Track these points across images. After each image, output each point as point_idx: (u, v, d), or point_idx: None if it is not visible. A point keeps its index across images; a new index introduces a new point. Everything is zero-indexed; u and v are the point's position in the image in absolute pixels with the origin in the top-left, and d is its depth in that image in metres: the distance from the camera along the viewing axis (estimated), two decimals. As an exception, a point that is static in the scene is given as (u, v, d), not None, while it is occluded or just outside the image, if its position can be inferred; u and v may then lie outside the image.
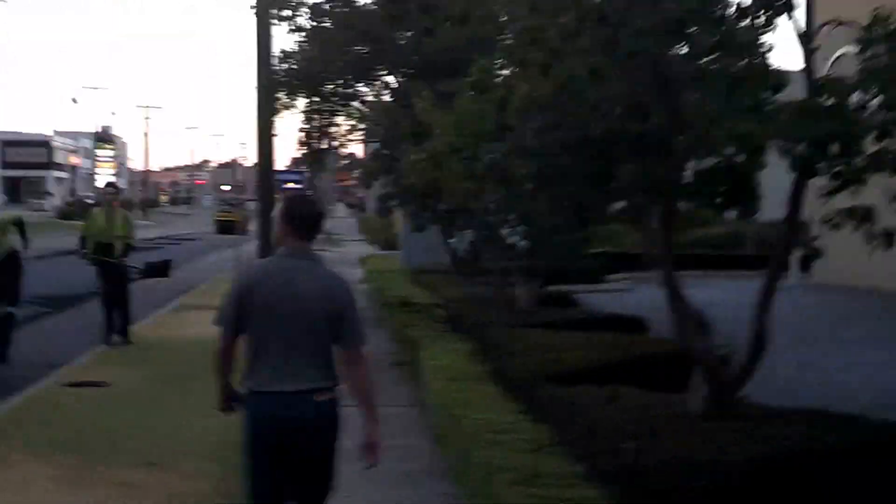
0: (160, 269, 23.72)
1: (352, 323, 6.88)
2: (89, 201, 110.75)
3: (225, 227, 78.96)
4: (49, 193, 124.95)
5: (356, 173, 25.55)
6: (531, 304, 16.75)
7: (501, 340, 13.64)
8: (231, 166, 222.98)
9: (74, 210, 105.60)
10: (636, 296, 18.25)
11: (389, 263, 30.56)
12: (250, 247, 49.50)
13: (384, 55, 18.44)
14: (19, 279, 18.22)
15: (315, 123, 25.67)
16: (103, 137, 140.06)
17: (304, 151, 28.88)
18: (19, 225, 18.69)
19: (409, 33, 19.33)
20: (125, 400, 14.52)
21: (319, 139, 26.67)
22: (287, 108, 25.03)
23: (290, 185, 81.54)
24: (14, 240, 18.32)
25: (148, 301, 28.72)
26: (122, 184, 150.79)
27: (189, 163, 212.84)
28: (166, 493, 10.30)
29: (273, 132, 24.74)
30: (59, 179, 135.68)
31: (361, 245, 61.14)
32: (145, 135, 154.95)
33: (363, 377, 6.92)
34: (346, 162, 54.91)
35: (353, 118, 23.96)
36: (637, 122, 8.95)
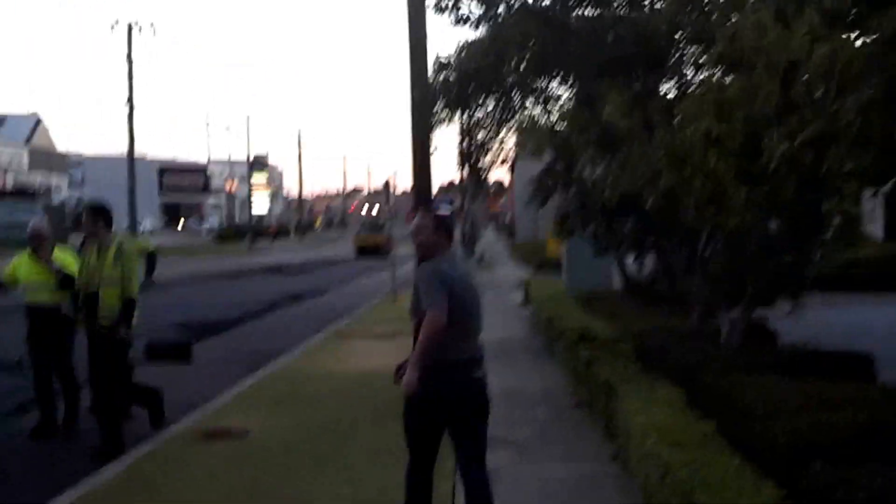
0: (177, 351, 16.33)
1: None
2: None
3: (366, 250, 77.16)
4: (206, 218, 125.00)
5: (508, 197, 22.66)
6: (737, 339, 13.71)
7: (721, 389, 10.71)
8: (384, 191, 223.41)
9: (230, 234, 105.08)
10: (813, 318, 15.12)
11: (552, 287, 27.56)
12: (404, 269, 47.77)
13: (565, 48, 14.96)
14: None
15: (477, 138, 22.99)
16: (257, 163, 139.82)
17: (463, 171, 26.38)
18: (150, 256, 15.21)
19: (597, 11, 15.53)
20: (265, 457, 11.81)
21: (479, 157, 23.97)
22: (444, 121, 22.41)
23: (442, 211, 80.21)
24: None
25: (298, 327, 26.40)
26: (277, 209, 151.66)
27: (341, 188, 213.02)
28: None
29: (430, 150, 22.12)
30: (216, 205, 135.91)
31: (512, 268, 58.36)
32: (299, 160, 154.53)
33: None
34: (494, 187, 52.06)
35: (523, 128, 20.64)
36: None
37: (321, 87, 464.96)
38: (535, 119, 15.01)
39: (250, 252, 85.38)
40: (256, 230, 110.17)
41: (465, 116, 21.86)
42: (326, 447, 12.16)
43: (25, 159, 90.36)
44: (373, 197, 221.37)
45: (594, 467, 11.12)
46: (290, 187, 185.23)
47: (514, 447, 11.98)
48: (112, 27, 67.17)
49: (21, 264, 13.32)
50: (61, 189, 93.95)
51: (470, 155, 23.43)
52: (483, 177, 29.19)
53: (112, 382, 12.19)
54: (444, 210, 52.75)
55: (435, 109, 20.20)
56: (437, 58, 20.54)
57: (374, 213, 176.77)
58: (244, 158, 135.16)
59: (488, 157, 23.40)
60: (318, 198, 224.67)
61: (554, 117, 15.57)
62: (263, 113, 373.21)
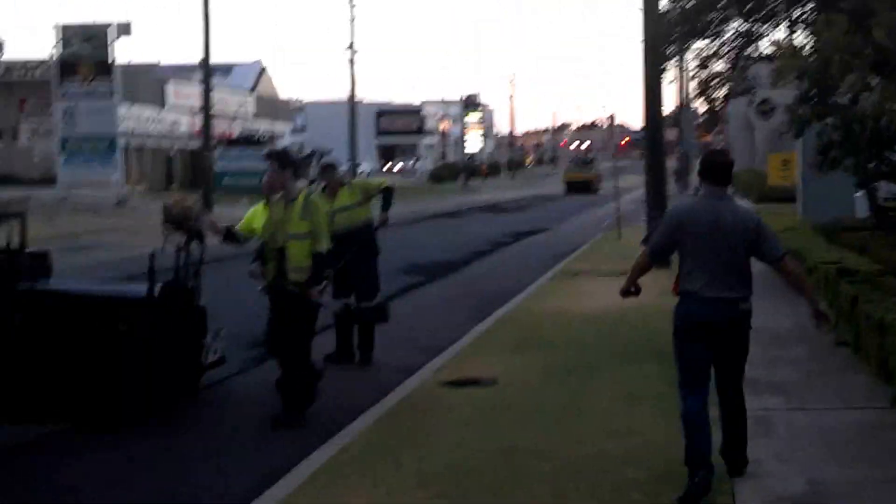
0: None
1: (768, 240, 8.17)
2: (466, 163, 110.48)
3: (576, 186, 75.97)
4: (421, 158, 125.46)
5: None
6: None
7: None
8: (592, 128, 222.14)
9: (445, 174, 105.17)
10: None
11: (786, 220, 26.04)
12: (627, 203, 46.69)
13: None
14: (373, 262, 14.20)
15: (716, 68, 21.89)
16: (470, 104, 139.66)
17: (705, 103, 25.32)
18: (386, 193, 14.52)
19: None
20: (521, 406, 11.10)
21: (716, 88, 22.83)
22: (675, 55, 21.41)
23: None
24: (373, 212, 14.47)
25: (523, 267, 25.71)
26: (489, 148, 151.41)
27: (551, 125, 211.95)
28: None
29: (661, 84, 21.17)
30: (430, 146, 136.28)
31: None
32: (511, 98, 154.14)
33: (793, 275, 8.46)
34: (706, 118, 50.07)
35: (775, 54, 19.15)
36: None
37: (531, 24, 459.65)
38: (784, 46, 13.58)
39: (464, 191, 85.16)
40: (469, 169, 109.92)
41: (702, 45, 20.72)
42: (574, 393, 11.46)
43: (251, 107, 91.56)
44: (582, 132, 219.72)
45: (872, 414, 10.15)
46: (501, 126, 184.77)
47: (780, 391, 11.08)
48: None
49: (257, 215, 12.45)
50: (284, 135, 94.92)
51: (707, 86, 22.31)
52: (719, 108, 28.10)
53: (300, 348, 11.04)
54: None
55: (672, 38, 19.07)
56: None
57: (582, 148, 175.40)
58: (457, 99, 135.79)
59: (724, 89, 22.28)
60: (528, 135, 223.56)
61: (807, 42, 13.99)
62: (475, 51, 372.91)
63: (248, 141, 69.67)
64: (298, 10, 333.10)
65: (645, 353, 13.32)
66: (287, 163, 11.43)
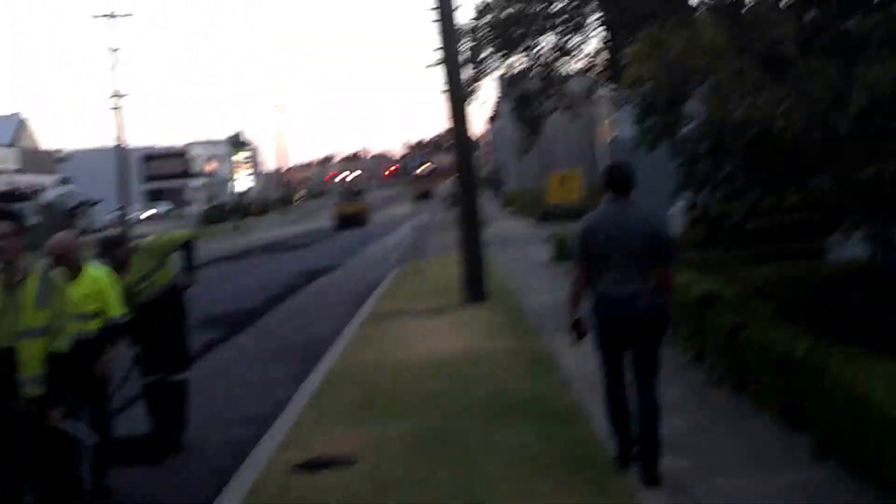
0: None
1: (665, 245, 8.86)
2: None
3: (346, 220, 71.72)
4: (190, 201, 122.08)
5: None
6: None
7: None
8: (357, 158, 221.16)
9: (216, 216, 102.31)
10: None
11: None
12: (406, 233, 45.05)
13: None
14: (182, 327, 11.98)
15: (533, 83, 20.46)
16: (236, 142, 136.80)
17: (523, 117, 24.00)
18: (187, 247, 12.20)
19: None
20: (392, 491, 9.10)
21: (539, 101, 21.43)
22: (486, 74, 19.88)
23: (420, 169, 76.39)
24: (175, 269, 12.04)
25: (327, 311, 23.76)
26: (258, 185, 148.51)
27: (320, 158, 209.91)
28: None
29: (468, 102, 19.61)
30: (197, 188, 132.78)
31: (510, 221, 55.76)
32: (278, 135, 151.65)
33: (666, 285, 8.85)
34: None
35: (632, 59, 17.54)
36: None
37: (296, 58, 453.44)
38: (636, 51, 11.99)
39: (238, 232, 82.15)
40: (241, 209, 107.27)
41: (516, 60, 19.23)
42: (461, 473, 9.28)
43: (12, 161, 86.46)
44: (349, 163, 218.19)
45: (803, 473, 8.62)
46: (270, 162, 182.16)
47: (679, 449, 9.47)
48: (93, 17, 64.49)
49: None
50: (50, 188, 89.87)
51: (525, 102, 20.83)
52: (540, 125, 26.70)
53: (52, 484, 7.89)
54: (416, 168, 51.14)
55: (481, 57, 17.51)
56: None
57: (348, 179, 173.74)
58: (223, 138, 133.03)
59: (548, 102, 20.85)
60: (298, 168, 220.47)
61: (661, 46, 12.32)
62: (240, 89, 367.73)
63: (10, 196, 65.10)
64: (58, 60, 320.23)
65: (512, 407, 11.59)
66: (21, 226, 7.91)
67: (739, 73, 10.71)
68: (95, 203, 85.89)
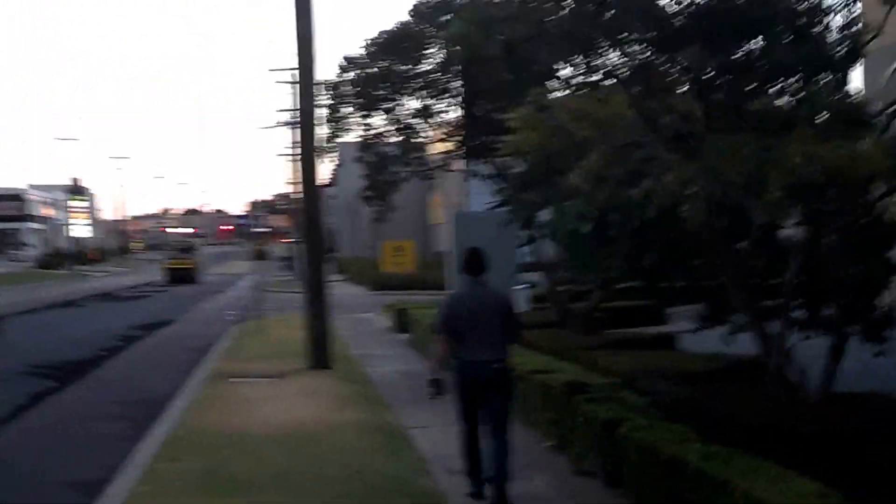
0: None
1: (513, 320, 10.23)
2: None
3: (176, 274, 69.04)
4: (25, 245, 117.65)
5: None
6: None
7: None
8: (195, 213, 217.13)
9: (52, 261, 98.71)
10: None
11: (430, 310, 23.51)
12: (242, 290, 43.30)
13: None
14: None
15: (390, 147, 19.49)
16: (75, 190, 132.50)
17: (371, 186, 22.95)
18: None
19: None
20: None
21: (396, 165, 20.46)
22: (342, 132, 18.84)
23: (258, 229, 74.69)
24: None
25: (164, 367, 22.27)
26: (96, 233, 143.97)
27: (158, 210, 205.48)
28: None
29: (320, 161, 18.66)
30: (34, 231, 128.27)
31: (343, 286, 54.57)
32: (120, 186, 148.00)
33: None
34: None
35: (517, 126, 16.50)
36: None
37: (141, 107, 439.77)
38: (523, 118, 11.03)
39: (73, 278, 79.02)
40: (77, 256, 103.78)
41: (375, 120, 18.25)
42: None
43: None
44: (185, 217, 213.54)
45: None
46: (108, 211, 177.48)
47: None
48: None
49: None
50: None
51: (382, 166, 19.83)
52: (393, 191, 25.62)
53: None
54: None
55: (340, 114, 16.51)
56: (345, 58, 16.89)
57: (181, 233, 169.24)
58: (63, 183, 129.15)
59: (405, 169, 19.86)
60: (137, 219, 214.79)
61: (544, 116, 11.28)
62: (77, 134, 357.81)
63: None
64: None
65: (370, 492, 10.49)
66: None
67: (638, 146, 9.88)
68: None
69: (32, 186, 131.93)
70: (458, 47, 13.70)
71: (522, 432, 12.12)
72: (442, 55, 20.97)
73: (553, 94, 12.53)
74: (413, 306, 26.97)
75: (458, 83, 21.26)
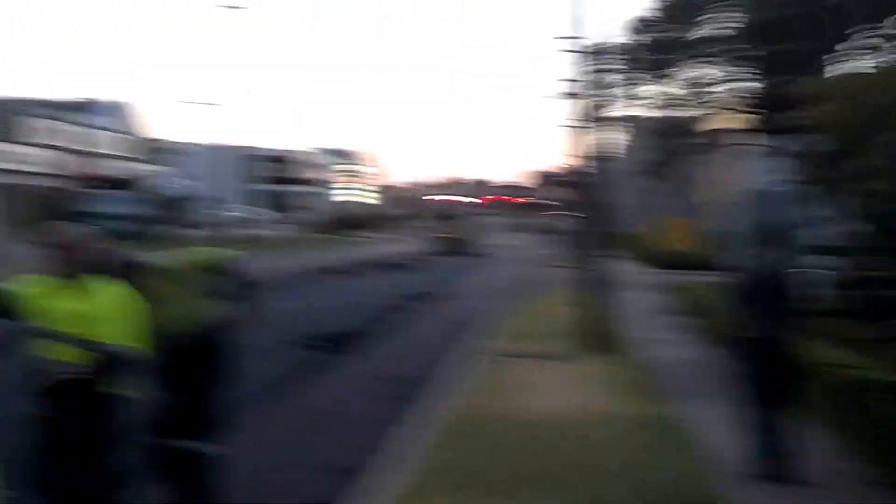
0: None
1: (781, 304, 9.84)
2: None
3: (449, 245, 67.83)
4: (302, 208, 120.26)
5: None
6: None
7: None
8: (459, 183, 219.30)
9: (335, 225, 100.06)
10: None
11: (710, 291, 22.01)
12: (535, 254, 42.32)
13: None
14: (220, 383, 8.95)
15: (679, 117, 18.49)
16: (360, 155, 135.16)
17: (662, 158, 21.98)
18: (217, 271, 9.03)
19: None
20: None
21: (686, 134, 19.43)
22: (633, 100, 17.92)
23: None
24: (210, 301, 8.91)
25: (431, 343, 21.76)
26: (378, 200, 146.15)
27: (444, 178, 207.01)
28: None
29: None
30: (308, 194, 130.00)
31: (617, 262, 52.79)
32: (405, 152, 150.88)
33: None
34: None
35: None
36: None
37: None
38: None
39: (342, 244, 79.34)
40: (348, 221, 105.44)
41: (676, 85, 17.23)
42: None
43: (122, 147, 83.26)
44: (447, 187, 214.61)
45: None
46: (392, 176, 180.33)
47: None
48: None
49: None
50: (159, 178, 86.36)
51: (675, 134, 18.82)
52: (682, 160, 24.53)
53: None
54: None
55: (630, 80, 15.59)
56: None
57: (452, 201, 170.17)
58: (348, 149, 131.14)
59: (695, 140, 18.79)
60: (421, 187, 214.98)
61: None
62: (373, 102, 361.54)
63: (117, 183, 62.19)
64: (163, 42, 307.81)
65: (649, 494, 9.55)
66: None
67: None
68: (209, 199, 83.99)
69: (319, 149, 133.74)
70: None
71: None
72: (737, 19, 19.63)
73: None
74: (699, 286, 25.67)
75: (754, 52, 19.86)
